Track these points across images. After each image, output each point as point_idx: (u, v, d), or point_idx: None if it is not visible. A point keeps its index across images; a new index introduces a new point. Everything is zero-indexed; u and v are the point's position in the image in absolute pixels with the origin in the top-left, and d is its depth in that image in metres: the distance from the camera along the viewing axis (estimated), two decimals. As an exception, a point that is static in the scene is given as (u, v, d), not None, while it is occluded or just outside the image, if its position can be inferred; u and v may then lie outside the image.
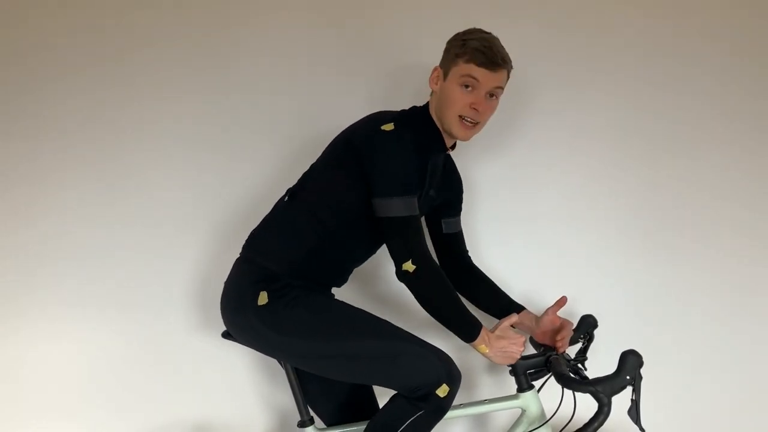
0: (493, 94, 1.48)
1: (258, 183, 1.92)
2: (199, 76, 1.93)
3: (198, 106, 1.92)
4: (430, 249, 1.43)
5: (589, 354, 1.76)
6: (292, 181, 1.88)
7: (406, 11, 1.93)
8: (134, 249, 1.90)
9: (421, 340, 1.42)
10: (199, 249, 1.91)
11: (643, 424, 1.33)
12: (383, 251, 1.81)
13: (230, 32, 1.93)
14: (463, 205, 1.75)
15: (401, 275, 1.37)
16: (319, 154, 1.55)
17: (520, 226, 1.92)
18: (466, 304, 1.44)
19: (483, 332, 1.39)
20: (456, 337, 1.41)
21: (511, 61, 1.49)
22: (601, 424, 1.29)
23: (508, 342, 1.42)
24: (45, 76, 1.92)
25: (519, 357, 1.45)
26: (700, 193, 1.92)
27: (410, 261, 1.35)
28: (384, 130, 1.40)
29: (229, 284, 1.49)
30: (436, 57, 1.54)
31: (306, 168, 1.57)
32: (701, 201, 1.92)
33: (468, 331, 1.39)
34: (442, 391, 1.36)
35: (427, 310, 1.39)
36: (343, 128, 1.52)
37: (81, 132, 1.91)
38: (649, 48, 1.93)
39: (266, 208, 1.89)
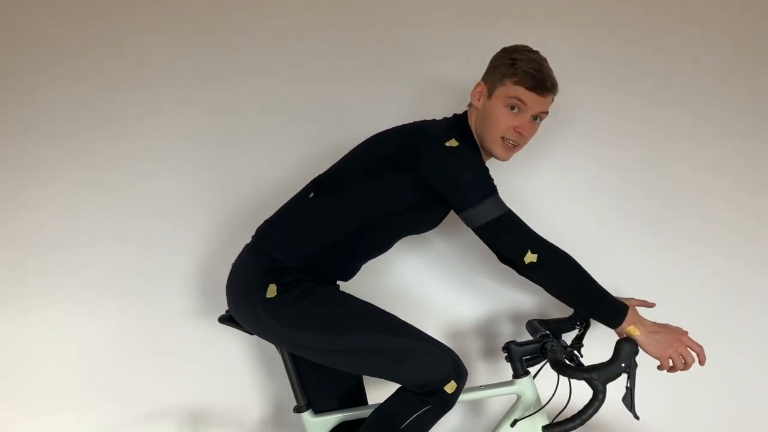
0: (537, 117, 1.45)
1: (258, 175, 1.91)
2: (206, 66, 1.92)
3: (200, 98, 1.92)
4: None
5: (585, 341, 1.77)
6: (292, 175, 1.89)
7: (430, 18, 1.92)
8: (132, 238, 1.90)
9: (429, 336, 1.41)
10: (197, 238, 1.91)
11: (637, 411, 1.33)
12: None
13: (239, 24, 1.92)
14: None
15: (528, 271, 1.33)
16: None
17: (522, 212, 1.92)
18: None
19: (631, 314, 1.34)
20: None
21: (557, 85, 1.45)
22: (596, 410, 1.29)
23: (668, 331, 1.33)
24: (41, 65, 1.91)
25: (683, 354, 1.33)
26: (703, 183, 1.92)
27: (530, 251, 1.32)
28: (450, 147, 1.36)
29: (237, 271, 1.46)
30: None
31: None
32: (703, 191, 1.92)
33: (612, 313, 1.33)
34: (450, 387, 1.36)
35: (564, 298, 1.34)
36: (362, 129, 1.47)
37: (79, 121, 1.90)
38: (656, 45, 1.93)
39: (268, 199, 1.90)
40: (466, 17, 1.93)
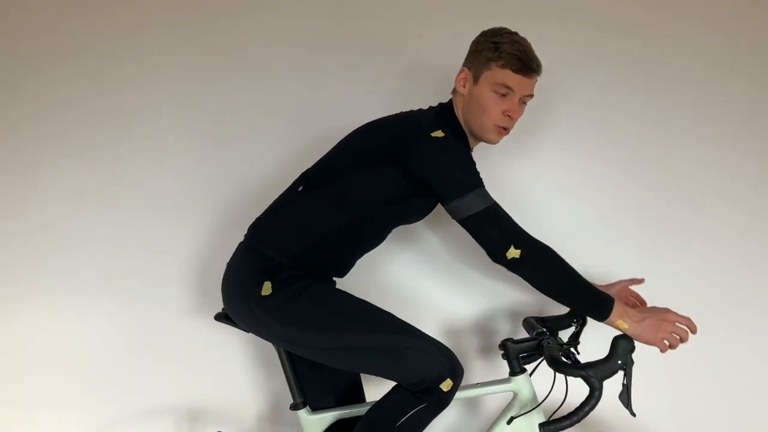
0: (524, 101, 1.46)
1: (254, 171, 1.91)
2: (197, 66, 1.91)
3: (193, 97, 1.91)
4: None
5: (582, 338, 1.77)
6: (289, 170, 1.89)
7: (417, 8, 1.92)
8: (129, 237, 1.90)
9: (425, 334, 1.41)
10: (193, 236, 1.91)
11: (634, 408, 1.33)
12: (385, 242, 1.81)
13: (225, 23, 1.92)
14: None
15: (510, 265, 1.33)
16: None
17: (523, 209, 1.92)
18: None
19: (617, 306, 1.33)
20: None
21: (542, 66, 1.45)
22: (593, 408, 1.29)
23: (653, 315, 1.33)
24: (39, 63, 1.90)
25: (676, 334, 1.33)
26: (704, 180, 1.92)
27: (512, 247, 1.32)
28: (436, 137, 1.36)
29: (231, 270, 1.45)
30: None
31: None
32: (704, 188, 1.91)
33: (598, 307, 1.33)
34: (446, 385, 1.36)
35: (547, 293, 1.34)
36: (348, 122, 1.48)
37: (76, 120, 1.90)
38: (658, 43, 1.93)
39: (263, 196, 1.90)
40: (451, 8, 1.91)
